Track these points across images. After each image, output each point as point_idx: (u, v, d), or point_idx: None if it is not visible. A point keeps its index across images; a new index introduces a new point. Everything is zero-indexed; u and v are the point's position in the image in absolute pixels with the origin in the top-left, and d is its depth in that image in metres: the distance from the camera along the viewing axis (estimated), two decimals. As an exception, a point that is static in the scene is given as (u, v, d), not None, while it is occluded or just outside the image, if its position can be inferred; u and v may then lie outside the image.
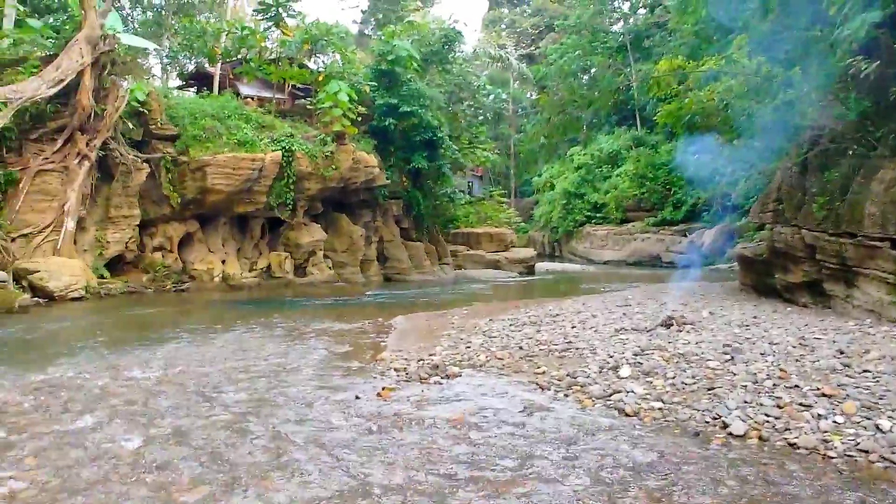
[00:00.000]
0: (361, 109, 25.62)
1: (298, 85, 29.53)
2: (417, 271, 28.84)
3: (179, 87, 33.40)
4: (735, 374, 7.68)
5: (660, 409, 7.03)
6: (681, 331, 10.40)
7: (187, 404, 7.62)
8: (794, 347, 8.81)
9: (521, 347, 10.48)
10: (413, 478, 5.37)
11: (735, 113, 18.39)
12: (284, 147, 23.37)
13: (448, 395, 8.03)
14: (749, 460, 5.70)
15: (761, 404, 6.74)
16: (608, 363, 8.82)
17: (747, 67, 18.59)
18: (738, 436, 6.22)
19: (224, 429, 6.65)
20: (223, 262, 23.69)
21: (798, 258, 14.84)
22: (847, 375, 7.28)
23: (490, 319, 13.90)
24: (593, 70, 47.20)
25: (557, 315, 13.63)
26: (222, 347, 11.54)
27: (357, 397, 7.98)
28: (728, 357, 8.39)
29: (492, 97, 39.13)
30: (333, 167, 24.37)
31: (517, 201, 58.76)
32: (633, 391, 7.58)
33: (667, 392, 7.47)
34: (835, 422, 6.16)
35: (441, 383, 8.68)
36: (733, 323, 11.27)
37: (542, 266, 37.62)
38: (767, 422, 6.36)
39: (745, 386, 7.26)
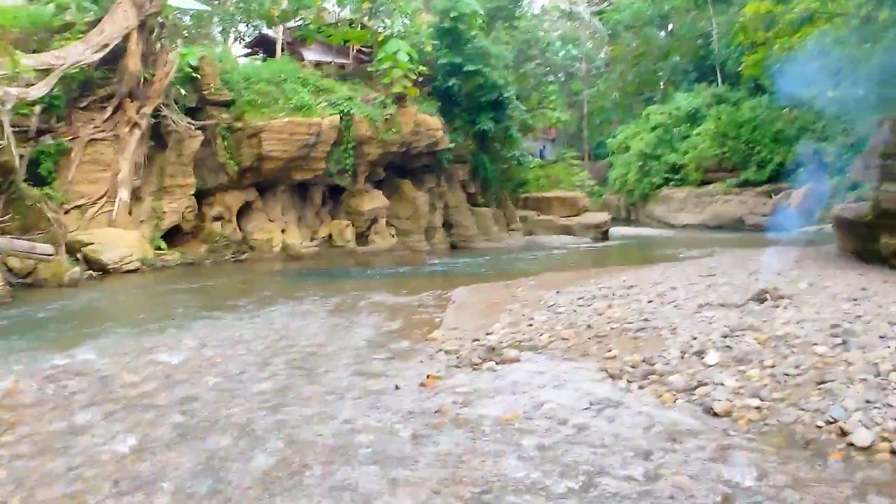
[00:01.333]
0: (422, 69, 24.42)
1: (364, 48, 28.48)
2: (484, 238, 27.69)
3: (245, 55, 32.79)
4: (850, 364, 6.28)
5: (757, 407, 5.73)
6: (777, 306, 8.94)
7: (204, 396, 6.72)
8: (920, 328, 7.32)
9: (589, 326, 9.24)
10: (443, 505, 4.29)
11: (832, 60, 16.49)
12: (342, 111, 22.44)
13: (502, 386, 6.91)
14: (882, 484, 4.41)
15: (889, 405, 5.37)
16: (691, 346, 7.51)
17: (847, 7, 16.60)
18: (862, 448, 4.90)
19: (234, 430, 5.70)
20: (283, 231, 23.05)
21: (910, 220, 13.06)
22: None
23: (557, 292, 12.66)
24: (670, 19, 44.26)
25: (632, 287, 12.28)
26: (265, 326, 10.70)
27: (397, 387, 6.95)
28: (839, 340, 6.97)
29: (562, 54, 37.28)
30: (394, 131, 23.33)
31: (591, 164, 56.66)
32: (722, 383, 6.28)
33: (765, 385, 6.15)
34: None
35: (496, 370, 7.56)
36: (839, 297, 9.72)
37: (616, 231, 35.92)
38: (900, 430, 5.02)
39: (865, 380, 5.87)
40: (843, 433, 5.11)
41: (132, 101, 18.12)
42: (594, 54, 57.24)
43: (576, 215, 33.48)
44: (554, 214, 33.28)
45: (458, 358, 8.12)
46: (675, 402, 6.16)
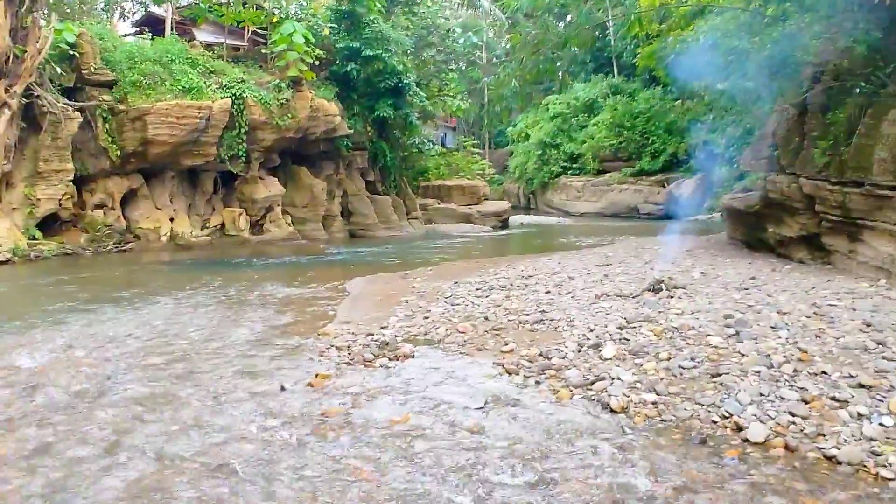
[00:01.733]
0: (319, 53, 23.66)
1: (259, 31, 27.40)
2: (384, 226, 27.21)
3: (133, 34, 31.00)
4: (744, 356, 6.26)
5: (654, 403, 5.60)
6: (672, 296, 8.96)
7: (65, 406, 6.07)
8: (808, 318, 7.41)
9: (487, 318, 9.02)
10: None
11: (722, 53, 16.86)
12: (234, 94, 21.44)
13: (395, 385, 6.56)
14: (776, 482, 4.31)
15: (782, 398, 5.34)
16: (588, 339, 7.37)
17: (736, 2, 17.02)
18: (757, 443, 4.81)
19: (95, 445, 5.13)
20: (172, 219, 21.91)
21: (795, 210, 13.45)
22: (884, 357, 5.88)
23: (455, 282, 12.43)
24: (569, 8, 44.73)
25: (530, 277, 12.17)
26: (144, 322, 9.96)
27: (283, 388, 6.50)
28: (732, 331, 6.97)
29: (462, 41, 37.08)
30: (290, 116, 22.49)
31: (491, 153, 57.00)
32: (619, 378, 6.14)
33: (661, 379, 6.05)
34: (882, 425, 4.76)
35: (389, 367, 7.21)
36: (730, 286, 9.85)
37: (516, 219, 36.16)
38: (793, 423, 4.96)
39: (759, 372, 5.84)
40: (739, 428, 5.03)
41: (1, 80, 16.68)
42: (494, 43, 57.46)
43: (476, 204, 33.45)
44: (454, 203, 33.15)
45: (349, 354, 7.72)
46: (571, 398, 5.97)
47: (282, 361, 7.65)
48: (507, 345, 7.71)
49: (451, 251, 21.50)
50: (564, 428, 5.30)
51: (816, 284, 9.82)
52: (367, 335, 8.58)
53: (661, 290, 9.19)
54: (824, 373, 5.66)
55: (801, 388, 5.41)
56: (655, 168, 40.40)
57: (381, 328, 8.99)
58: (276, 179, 24.23)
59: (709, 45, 17.99)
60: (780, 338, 6.64)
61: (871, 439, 4.61)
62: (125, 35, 29.84)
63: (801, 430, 4.86)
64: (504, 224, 32.55)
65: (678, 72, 20.37)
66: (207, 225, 22.93)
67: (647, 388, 5.90)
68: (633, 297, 9.25)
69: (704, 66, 18.49)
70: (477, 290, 11.29)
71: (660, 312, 8.11)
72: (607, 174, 42.78)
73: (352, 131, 25.97)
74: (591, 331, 7.67)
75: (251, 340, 8.77)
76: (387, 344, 8.05)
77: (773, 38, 12.95)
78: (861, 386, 5.34)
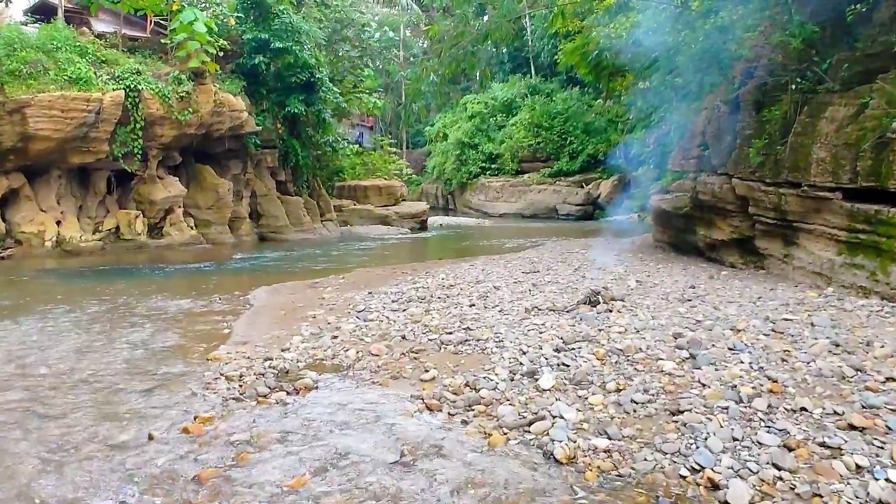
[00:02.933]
0: (224, 44, 22.03)
1: (163, 21, 25.43)
2: (296, 229, 25.72)
3: (24, 23, 28.47)
4: (705, 386, 5.35)
5: (606, 451, 4.61)
6: (611, 310, 8.04)
7: None
8: (765, 335, 6.59)
9: (404, 337, 7.91)
10: None
11: (647, 49, 16.26)
12: (129, 85, 19.65)
13: (292, 428, 5.38)
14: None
15: (760, 443, 4.42)
16: (521, 365, 6.35)
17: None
18: (740, 508, 3.86)
19: None
20: (59, 223, 19.91)
21: (727, 212, 12.88)
22: (868, 388, 5.07)
23: (369, 292, 11.27)
24: (487, 6, 44.03)
25: (452, 287, 11.11)
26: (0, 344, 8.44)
27: (151, 438, 5.23)
28: (686, 354, 6.08)
29: (377, 36, 35.83)
30: (191, 110, 20.81)
31: (409, 153, 55.90)
32: (561, 416, 5.14)
33: (612, 418, 5.07)
34: (890, 481, 3.88)
35: (287, 402, 6.02)
36: (671, 296, 9.03)
37: (435, 220, 35.20)
38: (780, 479, 4.03)
39: (726, 408, 4.92)
40: (714, 486, 4.07)
41: None
42: (412, 42, 56.38)
43: (394, 205, 32.32)
44: (371, 204, 31.92)
45: (241, 386, 6.50)
46: (506, 443, 4.94)
47: (157, 397, 6.34)
48: (427, 371, 6.62)
49: (366, 255, 20.29)
50: (500, 489, 4.23)
51: (761, 294, 9.10)
52: (265, 360, 7.35)
53: (598, 302, 8.27)
54: (804, 409, 4.79)
55: (782, 431, 4.51)
56: (574, 168, 40.20)
57: (283, 350, 7.76)
58: (178, 179, 22.45)
59: (632, 42, 17.38)
60: (742, 362, 5.77)
61: (880, 503, 3.71)
62: (19, 23, 27.39)
63: (792, 490, 3.93)
64: (422, 226, 31.53)
65: (600, 71, 19.76)
66: (100, 228, 20.99)
67: (596, 429, 4.91)
68: (568, 312, 8.29)
69: (628, 63, 17.86)
70: (393, 302, 10.17)
71: (600, 330, 7.16)
72: (526, 174, 42.38)
73: (260, 128, 24.45)
74: (524, 353, 6.66)
75: (125, 369, 7.40)
76: (286, 372, 6.88)
77: (704, 31, 12.29)
78: (852, 427, 4.47)
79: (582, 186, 39.35)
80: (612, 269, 12.06)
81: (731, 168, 12.51)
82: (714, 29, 12.15)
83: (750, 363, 5.73)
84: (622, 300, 8.48)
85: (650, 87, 17.27)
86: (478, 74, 49.53)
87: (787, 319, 7.19)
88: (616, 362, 6.13)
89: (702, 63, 12.75)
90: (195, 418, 5.61)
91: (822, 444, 4.31)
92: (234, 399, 6.16)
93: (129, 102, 19.64)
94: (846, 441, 4.30)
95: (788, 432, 4.48)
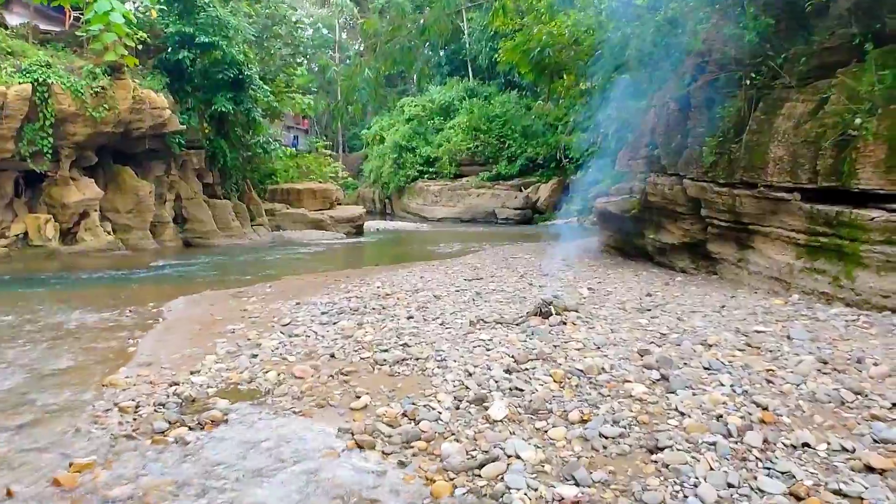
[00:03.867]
0: (144, 36, 20.62)
1: (80, 12, 23.79)
2: (224, 234, 24.38)
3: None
4: (684, 415, 4.57)
5: (576, 501, 3.76)
6: (565, 322, 7.23)
7: None
8: (741, 351, 5.88)
9: (333, 356, 6.95)
10: None
11: (589, 47, 15.66)
12: (37, 79, 18.12)
13: (190, 477, 4.38)
14: None
15: (762, 491, 3.64)
16: (468, 389, 5.48)
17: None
18: (749, 582, 3.06)
19: None
20: (-42, 228, 18.26)
21: (678, 214, 12.28)
22: (875, 417, 4.35)
23: (297, 303, 10.26)
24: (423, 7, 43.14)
25: (388, 296, 10.17)
26: None
27: (9, 493, 4.17)
28: (656, 375, 5.30)
29: (310, 33, 34.63)
30: (107, 107, 19.34)
31: (345, 156, 54.73)
32: (518, 456, 4.28)
33: (577, 456, 4.23)
34: (930, 542, 3.13)
35: (188, 440, 5.00)
36: (628, 305, 8.29)
37: (372, 225, 34.19)
38: (794, 541, 3.25)
39: (714, 444, 4.14)
40: (714, 551, 3.25)
41: None
42: (348, 43, 55.29)
43: (328, 209, 31.18)
44: (305, 208, 30.70)
45: (135, 420, 5.45)
46: (452, 492, 4.04)
47: (30, 437, 5.25)
48: (358, 398, 5.68)
49: (298, 262, 19.18)
50: (447, 559, 3.34)
51: (723, 302, 8.45)
52: (171, 385, 6.32)
53: (551, 313, 7.45)
54: (806, 445, 4.03)
55: (785, 474, 3.74)
56: (513, 172, 39.73)
57: (192, 373, 6.72)
58: (94, 181, 20.89)
59: (572, 41, 16.79)
60: (722, 385, 5.02)
61: (925, 573, 2.95)
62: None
63: (812, 555, 3.15)
64: (358, 230, 30.50)
65: (542, 70, 19.13)
66: (7, 234, 19.31)
67: (560, 472, 4.07)
68: (517, 325, 7.45)
69: (571, 61, 17.24)
70: (323, 314, 9.18)
71: (555, 347, 6.34)
72: (465, 178, 41.72)
73: (185, 127, 23.04)
74: (471, 375, 5.79)
75: (2, 397, 6.25)
76: (193, 401, 5.86)
77: (655, 24, 11.67)
78: (869, 469, 3.72)
79: (521, 190, 38.88)
80: (559, 275, 11.32)
81: (682, 168, 11.92)
82: (662, 21, 11.54)
83: (732, 386, 4.98)
84: (576, 311, 7.69)
85: (594, 86, 16.68)
86: (415, 77, 48.80)
87: (759, 332, 6.50)
88: (577, 385, 5.31)
89: (651, 58, 12.14)
90: (70, 466, 4.56)
91: (838, 492, 3.55)
92: (125, 436, 5.13)
93: (37, 97, 18.08)
94: (865, 488, 3.55)
95: (794, 476, 3.71)
